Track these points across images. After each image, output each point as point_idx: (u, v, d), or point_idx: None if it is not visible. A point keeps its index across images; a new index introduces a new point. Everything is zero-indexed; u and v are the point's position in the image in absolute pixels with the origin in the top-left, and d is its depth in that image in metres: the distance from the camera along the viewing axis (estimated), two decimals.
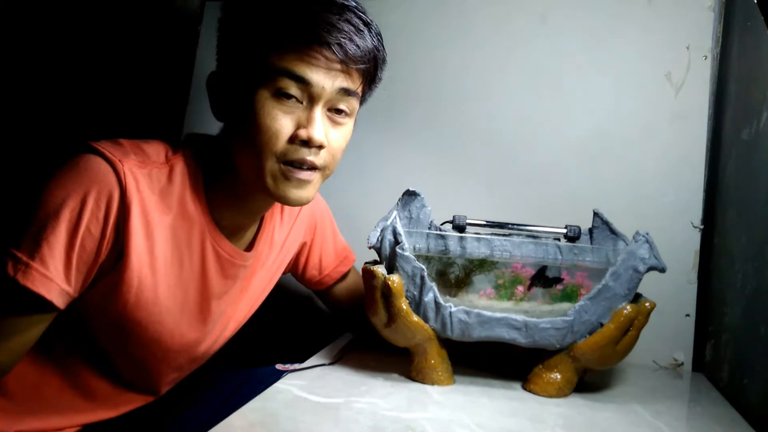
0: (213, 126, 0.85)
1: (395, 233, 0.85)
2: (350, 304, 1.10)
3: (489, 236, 0.94)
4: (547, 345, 0.84)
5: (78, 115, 1.38)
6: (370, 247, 0.88)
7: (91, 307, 0.77)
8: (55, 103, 1.36)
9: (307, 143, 0.76)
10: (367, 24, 0.77)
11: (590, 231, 0.97)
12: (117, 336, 0.80)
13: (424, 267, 0.83)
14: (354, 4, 0.77)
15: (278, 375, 0.88)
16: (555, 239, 0.97)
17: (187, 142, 0.83)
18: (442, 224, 1.00)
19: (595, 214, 0.96)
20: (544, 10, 1.18)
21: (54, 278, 0.69)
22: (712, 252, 1.09)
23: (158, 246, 0.77)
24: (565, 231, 0.97)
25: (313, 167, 0.78)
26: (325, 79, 0.75)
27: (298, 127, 0.76)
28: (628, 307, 0.82)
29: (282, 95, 0.75)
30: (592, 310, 0.82)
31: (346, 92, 0.77)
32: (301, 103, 0.76)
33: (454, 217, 0.99)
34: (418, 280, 0.83)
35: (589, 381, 0.91)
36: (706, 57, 1.11)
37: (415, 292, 0.84)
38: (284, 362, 0.93)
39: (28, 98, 1.32)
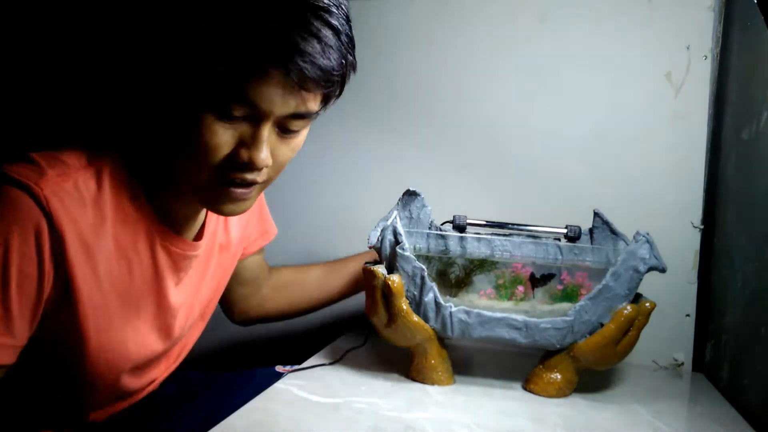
0: None
1: (395, 233, 0.85)
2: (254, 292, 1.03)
3: (489, 236, 0.94)
4: (548, 345, 0.84)
5: (68, 118, 1.38)
6: (370, 247, 0.87)
7: (46, 343, 0.70)
8: (50, 104, 1.36)
9: (249, 165, 0.67)
10: (336, 32, 0.65)
11: (590, 231, 0.97)
12: (79, 366, 0.74)
13: (424, 267, 0.83)
14: (324, 3, 0.64)
15: (278, 376, 0.88)
16: (555, 239, 0.97)
17: (106, 142, 0.75)
18: (442, 224, 1.00)
19: (596, 214, 0.96)
20: (544, 10, 1.18)
21: None
22: (712, 252, 1.09)
23: (101, 264, 0.70)
24: (565, 231, 0.97)
25: (253, 184, 0.70)
26: (275, 105, 0.65)
27: (241, 144, 0.66)
28: (629, 307, 0.82)
29: (226, 116, 0.65)
30: (592, 310, 0.82)
31: (299, 116, 0.68)
32: (245, 119, 0.66)
33: (454, 217, 0.99)
34: (418, 280, 0.83)
35: (589, 381, 0.90)
36: (706, 57, 1.11)
37: (416, 292, 0.84)
38: (284, 364, 0.93)
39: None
